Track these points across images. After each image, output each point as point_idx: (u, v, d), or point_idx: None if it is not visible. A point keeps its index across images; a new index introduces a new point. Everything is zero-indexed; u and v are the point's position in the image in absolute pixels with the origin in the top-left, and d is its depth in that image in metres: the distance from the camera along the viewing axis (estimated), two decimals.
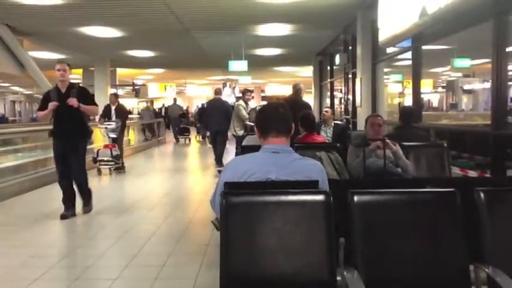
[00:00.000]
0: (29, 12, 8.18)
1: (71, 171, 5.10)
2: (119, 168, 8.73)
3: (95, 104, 5.29)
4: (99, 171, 8.46)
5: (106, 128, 8.58)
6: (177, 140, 17.10)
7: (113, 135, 8.59)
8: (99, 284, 3.36)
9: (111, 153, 8.36)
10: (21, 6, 7.67)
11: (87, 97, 5.17)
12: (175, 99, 19.91)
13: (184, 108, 23.15)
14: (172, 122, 18.23)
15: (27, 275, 3.41)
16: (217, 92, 9.65)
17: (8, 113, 31.34)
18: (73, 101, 4.90)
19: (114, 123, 8.55)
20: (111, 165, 8.48)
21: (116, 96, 9.24)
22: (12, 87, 28.10)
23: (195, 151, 14.90)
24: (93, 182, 7.63)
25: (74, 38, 10.63)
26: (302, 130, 4.36)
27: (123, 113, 9.05)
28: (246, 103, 8.51)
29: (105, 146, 8.48)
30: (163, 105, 26.86)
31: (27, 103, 34.01)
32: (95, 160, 8.38)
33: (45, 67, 12.17)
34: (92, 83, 15.34)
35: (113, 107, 8.88)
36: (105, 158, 8.39)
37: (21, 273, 3.50)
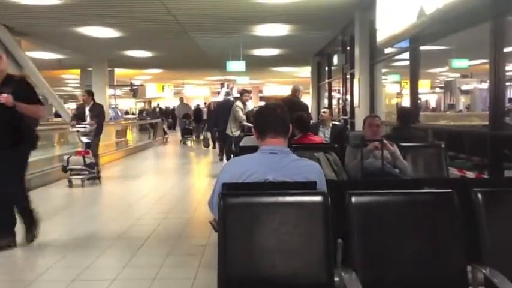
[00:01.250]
0: (26, 12, 8.16)
1: (3, 189, 3.90)
2: (94, 178, 7.45)
3: (39, 103, 4.12)
4: (70, 183, 7.17)
5: (78, 131, 7.40)
6: (184, 141, 16.12)
7: (86, 140, 7.39)
8: (97, 284, 3.35)
9: (84, 161, 7.16)
10: (19, 6, 7.66)
11: (27, 93, 3.96)
12: (181, 99, 18.53)
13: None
14: (180, 122, 17.80)
15: (24, 276, 3.41)
16: (228, 94, 12.30)
17: None
18: (5, 98, 3.75)
19: (88, 125, 7.33)
20: (84, 175, 7.21)
21: (89, 93, 7.82)
22: None
23: (190, 152, 14.59)
24: (63, 195, 6.81)
25: (72, 38, 10.61)
26: (297, 132, 4.35)
27: (97, 114, 7.61)
28: (244, 104, 8.51)
29: (77, 153, 7.31)
30: (157, 105, 26.71)
31: None
32: (64, 169, 7.21)
33: (43, 67, 12.17)
34: (90, 83, 15.33)
35: (87, 107, 7.60)
36: (77, 167, 7.16)
37: (18, 274, 3.49)
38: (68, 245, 4.25)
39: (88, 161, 7.21)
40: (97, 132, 7.57)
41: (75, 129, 7.46)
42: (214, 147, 13.33)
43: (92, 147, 7.49)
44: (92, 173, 7.33)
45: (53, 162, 8.44)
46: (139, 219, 5.23)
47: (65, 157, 7.35)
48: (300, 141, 4.27)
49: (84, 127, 7.29)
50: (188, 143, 16.11)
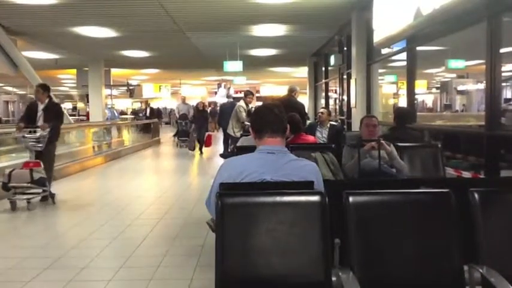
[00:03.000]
0: (22, 12, 8.13)
1: None
2: (45, 198, 5.78)
3: None
4: (13, 205, 5.48)
5: (24, 137, 5.65)
6: (179, 144, 14.31)
7: (37, 148, 5.67)
8: (94, 285, 3.34)
9: (32, 176, 5.43)
10: (15, 5, 7.63)
11: None
12: (183, 98, 15.70)
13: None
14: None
15: (21, 276, 3.39)
16: (229, 96, 13.54)
17: (1, 113, 31.19)
18: None
19: (39, 130, 5.66)
20: (30, 194, 5.59)
21: (44, 88, 5.94)
22: (5, 87, 27.99)
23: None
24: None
25: (68, 38, 10.58)
26: (289, 133, 4.33)
27: (56, 115, 5.92)
28: (247, 105, 8.54)
29: (25, 165, 5.56)
30: (148, 105, 26.32)
31: (20, 103, 33.88)
32: (5, 187, 5.49)
33: (39, 67, 12.12)
34: (86, 83, 15.31)
35: (41, 106, 5.86)
36: (22, 184, 5.47)
37: (14, 275, 3.48)
38: (64, 245, 4.24)
39: (37, 175, 5.48)
40: (52, 139, 5.86)
41: (21, 134, 5.70)
42: (201, 152, 12.37)
43: (45, 157, 5.77)
44: (44, 191, 5.66)
45: None
46: (136, 219, 5.22)
47: (7, 171, 5.61)
48: (293, 142, 4.25)
49: (34, 131, 5.67)
50: (183, 145, 14.01)
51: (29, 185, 5.49)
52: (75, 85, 18.48)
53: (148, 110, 23.90)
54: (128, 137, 15.82)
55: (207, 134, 12.63)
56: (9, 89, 28.50)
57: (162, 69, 18.78)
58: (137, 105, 32.39)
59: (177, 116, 15.36)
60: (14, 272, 3.54)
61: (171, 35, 10.35)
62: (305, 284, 1.86)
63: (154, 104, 30.51)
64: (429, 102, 26.77)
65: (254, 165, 2.04)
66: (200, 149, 12.46)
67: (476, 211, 2.02)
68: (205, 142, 12.41)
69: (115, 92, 22.20)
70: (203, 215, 4.59)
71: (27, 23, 9.21)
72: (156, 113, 20.97)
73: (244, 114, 8.28)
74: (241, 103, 8.60)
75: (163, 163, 12.08)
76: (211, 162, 10.89)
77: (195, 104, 14.76)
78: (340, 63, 10.41)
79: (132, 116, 23.63)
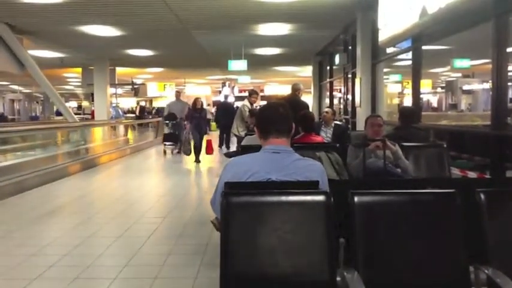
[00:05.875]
0: (28, 10, 8.16)
1: None
2: None
3: None
4: None
5: None
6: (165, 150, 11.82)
7: None
8: (99, 283, 3.35)
9: None
10: (21, 4, 7.66)
11: None
12: (177, 93, 12.47)
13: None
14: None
15: (27, 274, 3.41)
16: (226, 97, 14.26)
17: (7, 112, 31.36)
18: None
19: None
20: None
21: None
22: (11, 86, 28.12)
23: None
24: None
25: (74, 37, 10.61)
26: (301, 130, 4.33)
27: None
28: (252, 104, 8.53)
29: None
30: (138, 103, 25.89)
31: (26, 102, 34.06)
32: None
33: (44, 66, 12.17)
34: (91, 82, 15.35)
35: None
36: None
37: (20, 272, 3.50)
38: (68, 243, 4.25)
39: None
40: None
41: None
42: (197, 161, 10.02)
43: None
44: None
45: None
46: (141, 217, 5.23)
47: None
48: (301, 141, 4.25)
49: None
50: (168, 152, 11.72)
51: None
52: (80, 84, 18.52)
53: (138, 109, 23.56)
54: (131, 135, 15.83)
55: (205, 138, 10.34)
56: (15, 87, 28.63)
57: (166, 68, 18.80)
58: (141, 104, 32.44)
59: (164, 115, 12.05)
60: (19, 269, 3.56)
61: (176, 34, 10.36)
62: (310, 283, 1.86)
63: (158, 103, 30.58)
64: (434, 102, 26.67)
65: (259, 165, 2.04)
66: (196, 156, 10.10)
67: (482, 211, 2.01)
68: (206, 149, 10.14)
69: (120, 90, 22.25)
70: (207, 213, 4.60)
71: (33, 22, 9.24)
72: (155, 112, 20.61)
73: (247, 114, 8.28)
74: (246, 102, 8.58)
75: (167, 162, 12.08)
76: (211, 163, 10.88)
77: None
78: (344, 63, 10.39)
79: (133, 115, 23.58)
